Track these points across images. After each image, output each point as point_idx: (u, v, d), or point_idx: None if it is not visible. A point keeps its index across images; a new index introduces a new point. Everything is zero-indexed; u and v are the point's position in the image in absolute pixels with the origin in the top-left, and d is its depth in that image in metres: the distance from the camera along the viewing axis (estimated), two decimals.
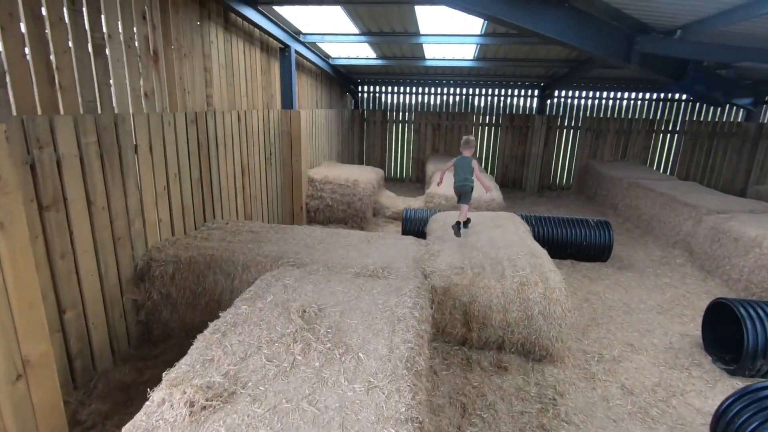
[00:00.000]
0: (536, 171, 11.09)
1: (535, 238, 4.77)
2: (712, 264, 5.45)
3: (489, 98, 11.48)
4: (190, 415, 1.66)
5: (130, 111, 3.46)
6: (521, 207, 9.26)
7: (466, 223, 4.75)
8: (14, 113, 2.53)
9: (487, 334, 3.48)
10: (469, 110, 11.60)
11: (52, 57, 2.78)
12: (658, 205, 7.04)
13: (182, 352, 2.29)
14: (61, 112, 2.86)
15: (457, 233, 4.42)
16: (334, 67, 9.37)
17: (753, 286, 4.69)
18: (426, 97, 11.70)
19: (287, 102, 6.69)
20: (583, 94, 11.01)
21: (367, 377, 1.96)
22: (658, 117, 10.90)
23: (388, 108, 11.85)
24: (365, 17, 6.14)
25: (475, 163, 4.54)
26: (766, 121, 10.36)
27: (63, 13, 2.85)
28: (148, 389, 1.88)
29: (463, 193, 4.60)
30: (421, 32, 6.80)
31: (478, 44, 7.07)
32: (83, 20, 3.00)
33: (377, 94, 11.87)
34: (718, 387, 3.31)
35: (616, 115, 11.06)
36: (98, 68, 3.13)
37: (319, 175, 7.22)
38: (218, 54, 4.77)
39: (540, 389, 3.18)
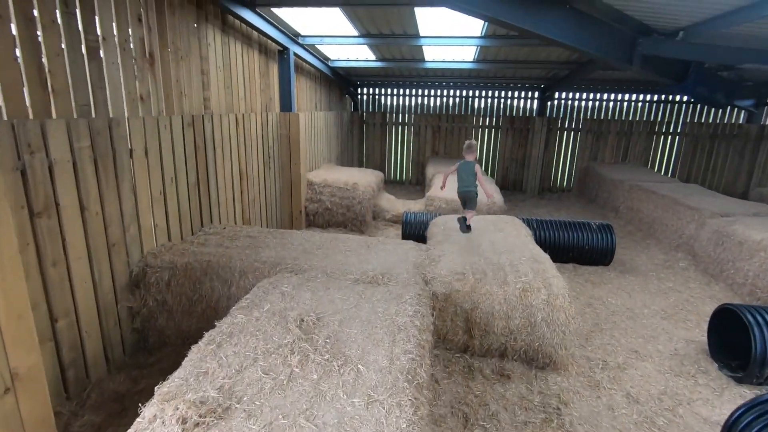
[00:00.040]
0: (537, 173, 11.04)
1: (536, 242, 4.71)
2: (716, 268, 5.39)
3: (489, 100, 11.44)
4: None
5: (125, 114, 3.40)
6: (522, 209, 9.20)
7: (468, 227, 4.69)
8: (5, 117, 2.47)
9: (489, 341, 3.41)
10: (469, 112, 11.55)
11: (44, 60, 2.72)
12: (660, 208, 6.98)
13: (178, 360, 2.23)
14: (54, 116, 2.80)
15: (463, 228, 4.53)
16: (334, 70, 9.32)
17: (758, 291, 4.62)
18: (426, 99, 11.65)
19: (286, 105, 6.63)
20: (584, 95, 10.97)
21: (366, 391, 1.89)
22: (659, 119, 10.85)
23: (388, 110, 11.80)
24: (364, 19, 6.09)
25: (477, 168, 4.49)
26: (767, 123, 10.31)
27: (56, 14, 2.79)
28: (140, 404, 1.81)
29: (468, 199, 4.56)
30: (421, 34, 6.75)
31: (478, 46, 7.02)
32: (77, 22, 2.94)
33: (377, 96, 11.82)
34: (726, 395, 3.24)
35: (616, 117, 11.00)
36: (92, 71, 3.07)
37: (319, 179, 7.16)
38: (215, 56, 4.72)
39: (543, 398, 3.11)
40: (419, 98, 11.65)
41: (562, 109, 11.20)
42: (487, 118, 11.40)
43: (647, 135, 10.80)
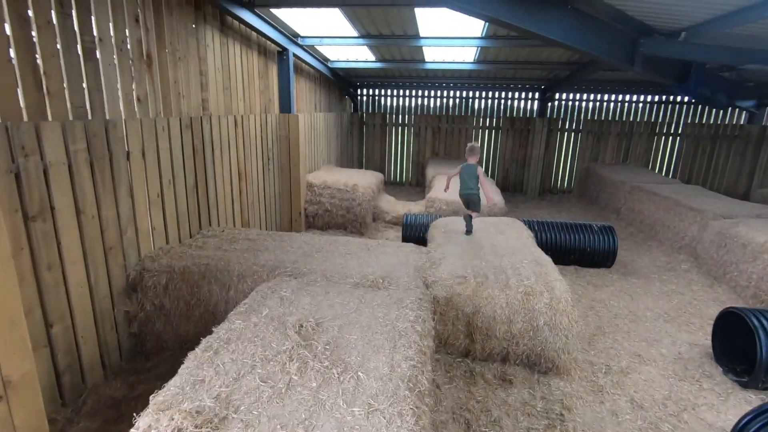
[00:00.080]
0: (537, 174, 10.99)
1: (538, 244, 4.67)
2: (718, 270, 5.34)
3: (489, 101, 11.40)
4: None
5: (122, 116, 3.36)
6: (522, 211, 9.16)
7: (469, 231, 4.66)
8: None
9: (491, 345, 3.37)
10: (470, 113, 11.52)
11: (39, 61, 2.68)
12: (662, 210, 6.93)
13: (176, 365, 2.19)
14: (49, 118, 2.76)
15: (469, 226, 4.60)
16: (333, 71, 9.28)
17: (762, 293, 4.57)
18: (426, 100, 11.61)
19: (285, 106, 6.59)
20: (584, 96, 10.93)
21: (367, 399, 1.85)
22: (659, 120, 10.81)
23: (388, 111, 11.76)
24: (364, 20, 6.05)
25: (480, 171, 4.46)
26: None
27: (51, 15, 2.74)
28: (134, 414, 1.77)
29: (471, 202, 4.55)
30: (421, 35, 6.71)
31: (478, 47, 6.98)
32: (72, 23, 2.90)
33: (376, 97, 11.78)
34: (731, 400, 3.20)
35: (617, 118, 10.96)
36: (88, 73, 3.03)
37: (318, 180, 7.12)
38: (214, 57, 4.68)
39: (546, 404, 3.07)
40: (419, 99, 11.62)
41: (562, 110, 11.16)
42: (488, 119, 11.37)
43: (648, 136, 10.76)
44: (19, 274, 2.52)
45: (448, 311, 3.36)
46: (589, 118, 11.00)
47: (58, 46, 2.79)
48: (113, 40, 3.26)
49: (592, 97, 10.91)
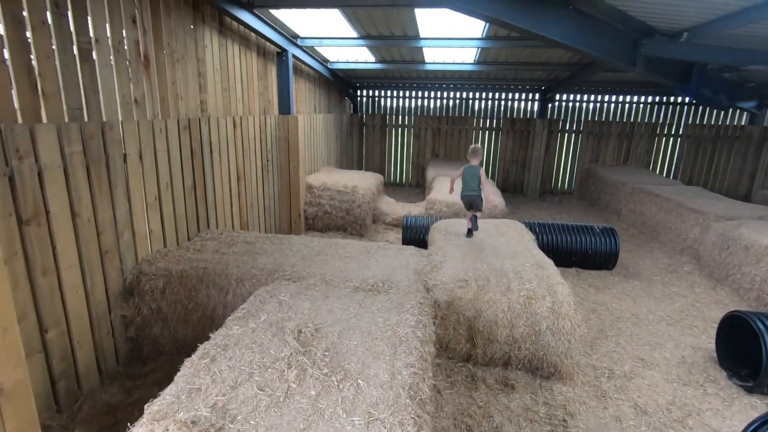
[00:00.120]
0: (538, 175, 10.95)
1: (539, 246, 4.63)
2: (721, 272, 5.30)
3: (490, 102, 11.37)
4: None
5: (119, 118, 3.32)
6: (523, 212, 9.12)
7: (470, 233, 4.62)
8: None
9: (493, 350, 3.33)
10: (470, 114, 11.48)
11: (34, 62, 2.64)
12: (664, 211, 6.90)
13: (173, 370, 2.15)
14: (44, 120, 2.72)
15: (475, 226, 4.59)
16: (333, 72, 9.25)
17: (766, 296, 4.53)
18: (426, 101, 11.58)
19: (284, 107, 6.55)
20: (585, 97, 10.89)
21: (367, 408, 1.81)
22: (660, 120, 10.77)
23: (388, 112, 11.72)
24: (364, 21, 6.01)
25: (482, 173, 4.42)
26: None
27: (46, 16, 2.71)
28: (129, 424, 1.72)
29: (473, 203, 4.52)
30: (421, 36, 6.67)
31: (479, 48, 6.95)
32: (68, 24, 2.86)
33: (376, 98, 11.74)
34: (736, 405, 3.15)
35: (618, 119, 10.93)
36: (84, 74, 2.99)
37: (318, 182, 7.08)
38: (213, 58, 4.64)
39: (549, 409, 3.02)
40: (419, 100, 11.58)
41: (563, 111, 11.12)
42: (488, 120, 11.33)
43: (649, 137, 10.72)
44: (13, 278, 2.48)
45: (449, 315, 3.31)
46: (589, 119, 10.97)
47: (54, 47, 2.75)
48: (110, 41, 3.22)
49: (592, 98, 10.88)
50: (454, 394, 3.13)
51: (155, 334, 3.42)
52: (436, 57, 8.41)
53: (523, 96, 11.22)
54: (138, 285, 3.35)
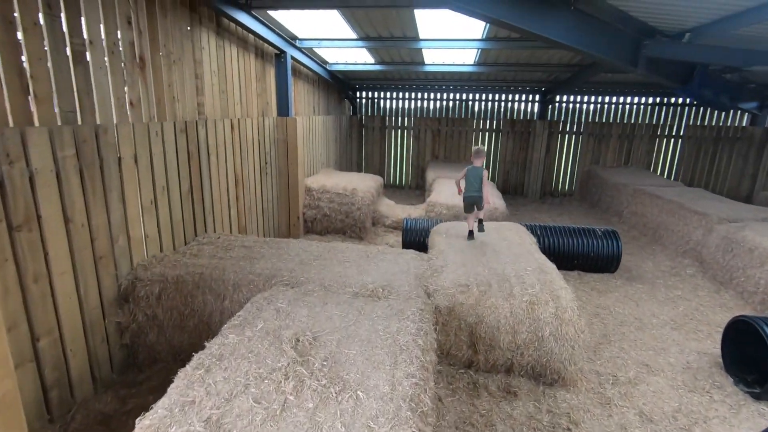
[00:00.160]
0: (538, 177, 10.90)
1: (540, 249, 4.58)
2: (725, 275, 5.24)
3: (489, 103, 11.31)
4: None
5: (114, 121, 3.26)
6: (523, 214, 9.06)
7: (471, 235, 4.58)
8: None
9: (495, 356, 3.26)
10: (470, 116, 11.43)
11: (25, 65, 2.58)
12: (665, 213, 6.84)
13: (169, 377, 2.10)
14: (36, 123, 2.66)
15: (480, 228, 4.60)
16: (332, 73, 9.19)
17: None
18: (425, 102, 11.53)
19: (283, 109, 6.50)
20: (585, 98, 10.84)
21: (366, 421, 1.74)
22: (661, 121, 10.72)
23: (387, 114, 11.67)
24: (363, 22, 5.96)
25: (485, 174, 4.40)
26: None
27: (38, 17, 2.65)
28: None
29: (476, 205, 4.49)
30: (421, 37, 6.62)
31: (479, 49, 6.90)
32: (61, 25, 2.80)
33: (376, 100, 11.69)
34: (743, 413, 3.09)
35: (618, 120, 10.88)
36: (78, 76, 2.93)
37: (317, 184, 7.02)
38: (210, 60, 4.58)
39: (553, 417, 2.96)
40: (419, 101, 11.53)
41: (563, 113, 11.07)
42: (488, 122, 11.28)
43: (649, 138, 10.67)
44: (4, 286, 2.42)
45: (450, 321, 3.25)
46: (589, 120, 10.91)
47: (46, 49, 2.70)
48: (104, 43, 3.16)
49: (592, 99, 10.83)
50: (456, 402, 3.07)
51: (151, 341, 3.36)
52: (435, 58, 8.36)
53: (524, 97, 11.18)
54: (133, 291, 3.28)
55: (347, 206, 6.78)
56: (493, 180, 11.03)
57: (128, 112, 3.42)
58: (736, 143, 10.24)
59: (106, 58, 3.17)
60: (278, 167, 6.43)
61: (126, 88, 3.40)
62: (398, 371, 2.07)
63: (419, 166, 11.61)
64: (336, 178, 7.67)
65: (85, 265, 2.96)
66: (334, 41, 6.87)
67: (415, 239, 5.57)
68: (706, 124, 10.59)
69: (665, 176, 10.70)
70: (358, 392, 1.91)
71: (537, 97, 11.08)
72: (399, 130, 11.62)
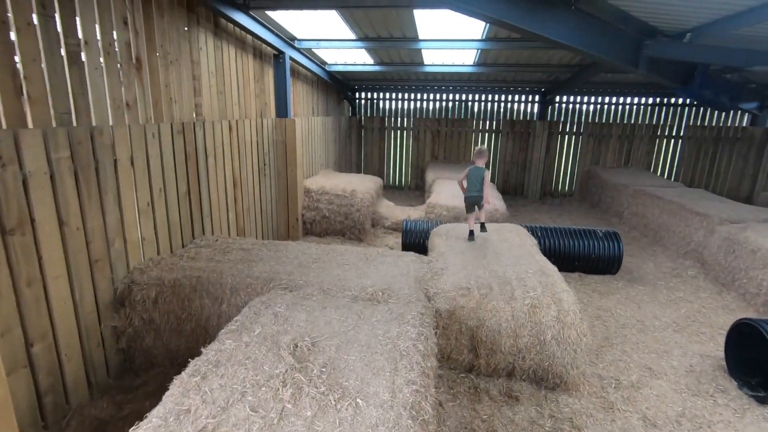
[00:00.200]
0: (538, 177, 10.86)
1: (541, 250, 4.54)
2: (727, 277, 5.20)
3: (489, 104, 11.28)
4: None
5: (110, 123, 3.21)
6: (523, 215, 9.02)
7: (471, 235, 4.55)
8: None
9: (496, 360, 3.22)
10: (469, 116, 11.39)
11: (19, 65, 2.54)
12: (666, 214, 6.80)
13: (166, 382, 2.06)
14: (30, 125, 2.61)
15: (483, 229, 4.64)
16: (331, 74, 9.16)
17: None
18: (425, 103, 11.49)
19: (282, 110, 6.46)
20: (585, 99, 10.81)
21: (366, 430, 1.70)
22: (661, 122, 10.70)
23: (387, 114, 11.63)
24: (362, 22, 5.93)
25: (486, 174, 4.39)
26: None
27: (32, 17, 2.60)
28: None
29: (478, 205, 4.51)
30: (420, 37, 6.59)
31: (478, 49, 6.86)
32: (55, 25, 2.76)
33: (375, 101, 11.65)
34: (748, 417, 3.05)
35: (618, 121, 10.85)
36: (73, 77, 2.89)
37: (316, 186, 6.97)
38: (208, 61, 4.54)
39: (555, 422, 2.92)
40: (418, 102, 11.50)
41: (563, 113, 11.04)
42: (488, 122, 11.24)
43: (649, 138, 10.65)
44: None
45: (451, 325, 3.21)
46: (589, 120, 10.88)
47: (40, 49, 2.65)
48: (100, 43, 3.12)
49: (592, 99, 10.80)
50: (457, 407, 3.03)
51: (147, 346, 3.31)
52: (435, 59, 8.33)
53: (523, 98, 11.14)
54: (129, 295, 3.24)
55: (346, 208, 6.74)
56: (492, 181, 10.99)
57: (124, 114, 3.38)
58: (736, 143, 10.22)
59: (101, 59, 3.13)
60: (277, 169, 6.39)
61: (122, 89, 3.36)
62: (398, 377, 2.03)
63: (419, 167, 11.58)
64: (335, 179, 7.63)
65: (80, 268, 2.91)
66: (333, 42, 6.84)
67: (415, 241, 5.53)
68: (706, 124, 10.57)
69: (665, 177, 10.67)
70: (358, 400, 1.87)
71: (537, 98, 11.06)
72: (398, 131, 11.58)
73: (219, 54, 4.78)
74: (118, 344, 3.28)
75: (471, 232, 4.59)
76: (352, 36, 6.55)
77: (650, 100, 10.67)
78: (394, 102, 11.58)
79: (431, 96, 11.39)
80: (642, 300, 4.95)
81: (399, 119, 11.55)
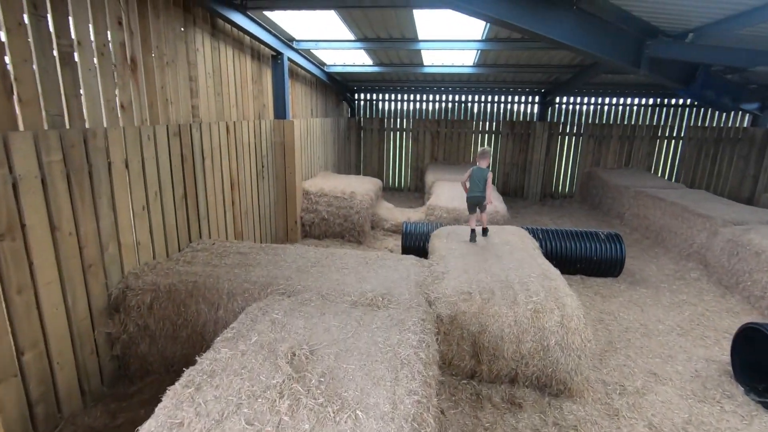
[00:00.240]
0: (538, 179, 10.81)
1: (542, 253, 4.48)
2: (730, 279, 5.14)
3: (489, 105, 11.23)
4: None
5: (104, 125, 3.15)
6: (524, 217, 8.97)
7: (473, 236, 4.51)
8: None
9: (499, 366, 3.16)
10: (469, 117, 11.34)
11: (9, 66, 2.47)
12: (669, 215, 6.75)
13: (161, 390, 2.00)
14: (21, 127, 2.55)
15: (476, 236, 4.58)
16: (330, 75, 9.10)
17: None
18: (424, 104, 11.44)
19: (280, 111, 6.39)
20: (585, 100, 10.76)
21: None
22: (661, 123, 10.65)
23: (386, 116, 11.57)
24: (361, 23, 5.87)
25: (489, 176, 4.34)
26: None
27: (23, 17, 2.54)
28: None
29: (480, 205, 4.49)
30: (420, 38, 6.53)
31: (478, 50, 6.81)
32: (47, 25, 2.69)
33: (374, 102, 11.60)
34: (755, 424, 2.99)
35: (618, 121, 10.80)
36: (66, 78, 2.83)
37: (315, 188, 6.91)
38: (205, 62, 4.48)
39: (559, 430, 2.85)
40: (418, 103, 11.44)
41: (563, 114, 10.99)
42: (487, 123, 11.19)
43: (650, 139, 10.60)
44: None
45: (452, 330, 3.14)
46: (590, 121, 10.84)
47: (32, 50, 2.59)
48: (94, 44, 3.05)
49: (593, 100, 10.75)
50: (459, 414, 2.96)
51: (142, 352, 3.24)
52: (434, 59, 8.27)
53: (523, 99, 11.10)
54: (124, 300, 3.17)
55: (346, 210, 6.67)
56: (493, 182, 10.89)
57: (119, 116, 3.32)
58: (737, 144, 10.17)
59: (95, 60, 3.07)
60: (275, 171, 6.32)
61: (117, 91, 3.30)
62: (399, 388, 1.96)
63: (418, 169, 11.52)
64: (334, 181, 7.56)
65: (72, 274, 2.85)
66: (332, 42, 6.78)
67: (415, 243, 5.47)
68: (706, 125, 10.52)
69: (666, 178, 10.62)
70: (357, 412, 1.80)
71: (537, 99, 11.01)
72: (398, 132, 11.52)
73: (216, 55, 4.72)
74: (112, 351, 3.21)
75: (473, 231, 4.54)
76: (351, 37, 6.49)
77: (650, 101, 10.63)
78: (393, 103, 11.53)
79: (431, 97, 11.33)
80: (645, 303, 4.89)
81: (398, 120, 11.50)
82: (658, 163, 10.77)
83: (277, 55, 6.16)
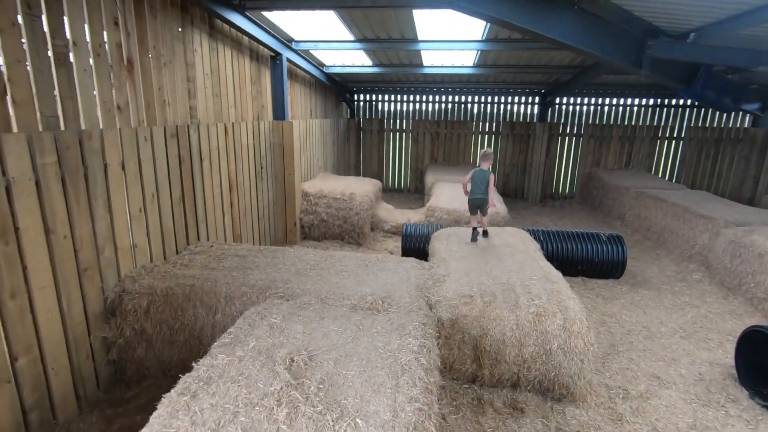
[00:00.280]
0: (538, 180, 10.77)
1: (543, 254, 4.44)
2: (733, 281, 5.11)
3: (489, 106, 11.19)
4: None
5: (100, 126, 3.11)
6: (524, 218, 8.93)
7: (475, 234, 4.48)
8: None
9: (501, 370, 3.11)
10: (469, 118, 11.30)
11: (2, 67, 2.43)
12: (670, 216, 6.71)
13: (158, 395, 1.97)
14: (15, 129, 2.51)
15: (486, 235, 4.61)
16: (329, 76, 9.06)
17: None
18: (424, 104, 11.40)
19: (279, 112, 6.35)
20: (585, 100, 10.73)
21: None
22: (662, 123, 10.62)
23: (385, 116, 11.53)
24: (360, 23, 5.83)
25: (491, 177, 4.31)
26: None
27: (16, 17, 2.50)
28: None
29: (481, 206, 4.47)
30: (420, 38, 6.50)
31: (478, 50, 6.78)
32: (42, 25, 2.65)
33: (374, 103, 11.56)
34: (761, 429, 2.95)
35: (619, 122, 10.77)
36: (61, 79, 2.79)
37: (314, 189, 6.87)
38: (203, 63, 4.44)
39: None
40: (417, 104, 11.40)
41: (563, 115, 10.96)
42: (487, 124, 11.15)
43: (650, 140, 10.57)
44: None
45: (453, 334, 3.10)
46: (590, 122, 10.80)
47: (26, 51, 2.55)
48: (89, 44, 3.01)
49: (593, 101, 10.72)
50: (460, 420, 2.92)
51: (139, 357, 3.20)
52: (434, 60, 8.24)
53: (523, 99, 11.06)
54: (120, 304, 3.13)
55: (345, 211, 6.63)
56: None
57: (115, 117, 3.27)
58: (737, 145, 10.14)
59: (91, 60, 3.03)
60: (274, 172, 6.28)
61: (113, 92, 3.26)
62: (400, 395, 1.92)
63: (418, 170, 11.48)
64: (333, 182, 7.52)
65: (67, 278, 2.80)
66: (331, 43, 6.74)
67: (415, 245, 5.42)
68: (707, 125, 10.49)
69: (666, 179, 10.59)
70: (357, 420, 1.76)
71: (537, 99, 10.97)
72: (397, 133, 11.49)
73: (214, 55, 4.68)
74: (108, 356, 3.17)
75: (474, 230, 4.51)
76: (351, 37, 6.46)
77: (651, 102, 10.60)
78: (392, 104, 11.49)
79: (430, 98, 11.30)
80: (647, 305, 4.85)
81: (398, 121, 11.46)
82: (658, 163, 10.73)
83: (276, 56, 6.12)
